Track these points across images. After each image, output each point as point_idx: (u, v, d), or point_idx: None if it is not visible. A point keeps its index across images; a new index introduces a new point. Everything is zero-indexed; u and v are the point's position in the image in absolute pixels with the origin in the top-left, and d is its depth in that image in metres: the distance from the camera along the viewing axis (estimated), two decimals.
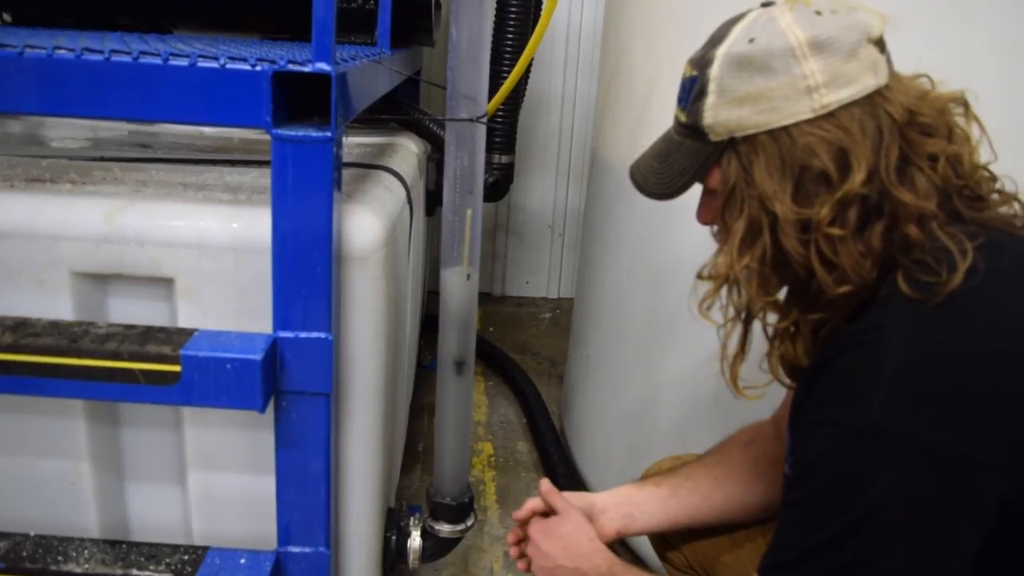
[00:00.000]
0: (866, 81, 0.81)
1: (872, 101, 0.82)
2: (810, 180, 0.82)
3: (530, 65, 2.53)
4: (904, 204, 0.81)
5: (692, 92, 0.88)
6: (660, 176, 0.96)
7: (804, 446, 0.86)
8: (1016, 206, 0.90)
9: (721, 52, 0.85)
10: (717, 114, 0.86)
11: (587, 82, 3.67)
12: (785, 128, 0.82)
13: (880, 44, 0.84)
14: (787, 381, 0.96)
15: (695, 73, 0.88)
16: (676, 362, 1.83)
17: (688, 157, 0.91)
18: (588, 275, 2.35)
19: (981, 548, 0.80)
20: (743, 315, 0.92)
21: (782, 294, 0.94)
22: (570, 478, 2.25)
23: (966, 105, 0.88)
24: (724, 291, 0.92)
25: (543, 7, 2.10)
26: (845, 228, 0.82)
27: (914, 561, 0.79)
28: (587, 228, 2.44)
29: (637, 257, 1.96)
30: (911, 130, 0.83)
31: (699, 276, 0.95)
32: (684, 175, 0.92)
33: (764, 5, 0.88)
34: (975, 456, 0.77)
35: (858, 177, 0.80)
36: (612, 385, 2.11)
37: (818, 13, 0.83)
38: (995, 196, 0.89)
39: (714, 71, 0.85)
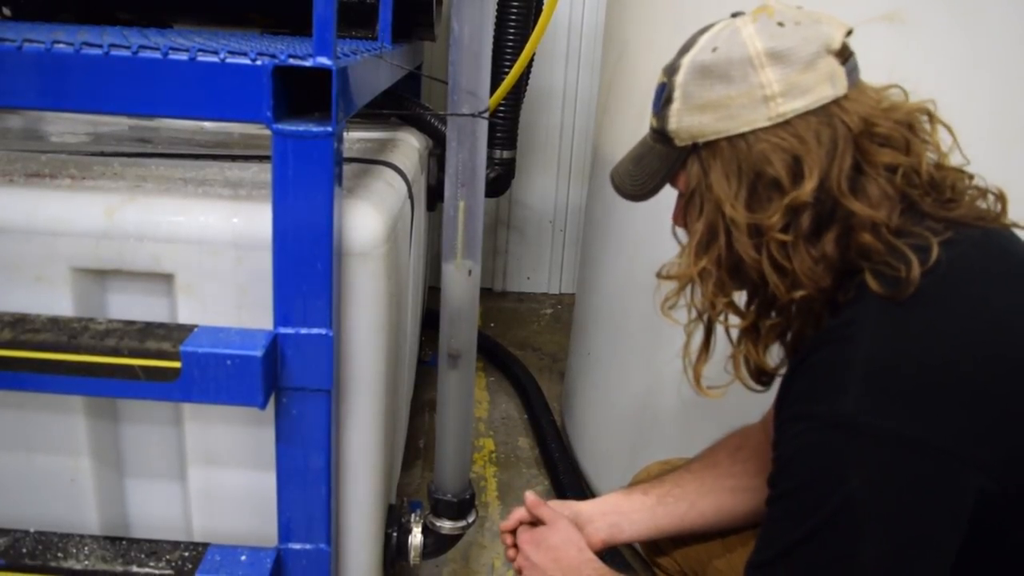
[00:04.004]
0: (823, 91, 0.83)
1: (828, 111, 0.84)
2: (763, 186, 0.84)
3: (532, 60, 2.52)
4: (854, 213, 0.83)
5: (662, 98, 0.92)
6: (634, 178, 0.99)
7: (782, 442, 0.87)
8: (990, 199, 0.92)
9: (687, 60, 0.89)
10: (681, 120, 0.89)
11: (588, 78, 3.66)
12: (743, 135, 0.85)
13: (842, 55, 0.86)
14: (751, 383, 0.98)
15: (664, 80, 0.92)
16: (677, 358, 1.83)
17: (658, 160, 0.95)
18: (589, 271, 2.35)
19: (962, 542, 0.80)
20: (704, 316, 0.95)
21: (742, 297, 0.96)
22: (571, 474, 2.25)
23: (930, 114, 0.90)
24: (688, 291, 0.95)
25: (544, 2, 2.09)
26: (797, 234, 0.84)
27: (892, 553, 0.80)
28: (588, 224, 2.44)
29: (638, 253, 1.96)
30: (866, 140, 0.84)
31: (658, 275, 0.97)
32: (655, 178, 0.96)
33: (734, 15, 0.91)
34: (948, 447, 0.78)
35: (808, 185, 0.82)
36: (613, 381, 2.11)
37: (780, 24, 0.85)
38: (971, 193, 0.91)
39: (680, 78, 0.89)
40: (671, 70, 0.91)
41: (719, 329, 0.97)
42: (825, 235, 0.84)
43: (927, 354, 0.80)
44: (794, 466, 0.85)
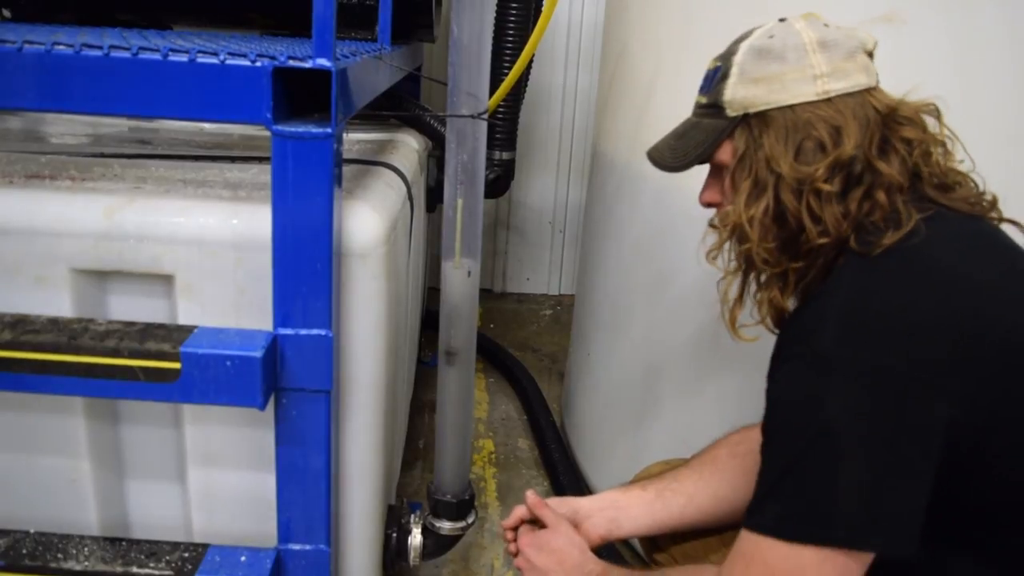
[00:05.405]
0: (859, 78, 0.99)
1: (862, 96, 0.99)
2: (808, 148, 0.98)
3: (531, 61, 2.52)
4: (882, 173, 0.97)
5: (715, 78, 1.05)
6: (675, 151, 1.10)
7: (770, 387, 0.97)
8: (986, 199, 1.04)
9: (745, 44, 1.03)
10: (736, 91, 1.01)
11: (588, 78, 3.66)
12: (791, 106, 0.98)
13: (871, 56, 1.02)
14: (773, 327, 1.07)
15: (719, 64, 1.05)
16: (677, 359, 1.83)
17: (703, 133, 1.06)
18: (589, 272, 2.35)
19: (938, 478, 0.87)
20: (743, 263, 1.06)
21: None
22: (571, 475, 2.25)
23: (938, 112, 1.03)
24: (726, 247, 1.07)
25: (544, 3, 2.09)
26: (832, 189, 0.97)
27: (870, 480, 0.87)
28: (588, 224, 2.44)
29: (638, 253, 1.96)
30: (892, 120, 0.99)
31: (711, 224, 1.10)
32: (698, 148, 1.06)
33: (780, 20, 1.04)
34: (918, 376, 0.87)
35: (848, 147, 0.96)
36: (613, 382, 2.11)
37: (826, 25, 1.02)
38: (971, 187, 1.03)
39: (738, 58, 1.02)
40: (728, 54, 1.04)
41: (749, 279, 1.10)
42: (852, 194, 0.98)
43: (896, 295, 0.91)
44: (778, 404, 0.95)
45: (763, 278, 1.07)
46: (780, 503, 0.92)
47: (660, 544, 1.34)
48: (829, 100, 0.98)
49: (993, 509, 0.95)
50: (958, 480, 0.90)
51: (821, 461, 0.88)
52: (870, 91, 1.00)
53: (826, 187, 0.97)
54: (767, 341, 1.03)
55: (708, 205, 1.12)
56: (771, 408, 0.96)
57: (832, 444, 0.88)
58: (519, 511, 1.28)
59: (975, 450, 0.89)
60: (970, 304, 0.91)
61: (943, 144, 1.02)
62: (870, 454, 0.87)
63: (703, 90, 1.08)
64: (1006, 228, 1.04)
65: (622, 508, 1.27)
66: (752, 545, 0.94)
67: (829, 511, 0.88)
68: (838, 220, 0.97)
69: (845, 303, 0.93)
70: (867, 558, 0.89)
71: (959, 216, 1.00)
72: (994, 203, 1.04)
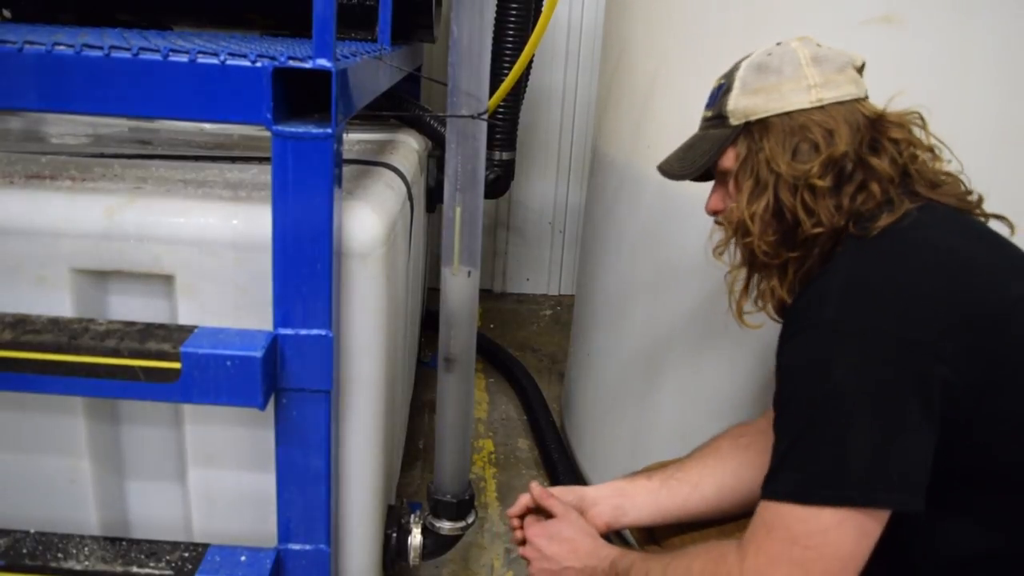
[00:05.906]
0: (849, 89, 1.08)
1: (852, 105, 1.08)
2: (804, 149, 1.07)
3: (531, 61, 2.53)
4: (874, 168, 1.06)
5: (719, 93, 1.15)
6: (683, 161, 1.19)
7: (780, 362, 1.02)
8: (972, 197, 1.11)
9: (746, 63, 1.13)
10: (738, 102, 1.11)
11: (588, 78, 3.66)
12: (788, 113, 1.08)
13: (860, 71, 1.12)
14: (774, 315, 1.14)
15: (723, 81, 1.15)
16: (677, 359, 1.83)
17: (709, 143, 1.15)
18: (589, 272, 2.35)
19: (937, 441, 0.93)
20: (746, 256, 1.14)
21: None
22: (571, 475, 2.25)
23: (922, 120, 1.11)
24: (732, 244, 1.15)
25: (544, 3, 2.09)
26: (825, 185, 1.05)
27: (878, 435, 0.92)
28: (588, 225, 2.44)
29: (638, 254, 1.96)
30: (880, 124, 1.08)
31: (717, 222, 1.19)
32: (704, 156, 1.15)
33: (777, 44, 1.13)
34: (916, 339, 0.93)
35: (840, 146, 1.05)
36: (613, 382, 2.11)
37: (818, 45, 1.12)
38: (959, 186, 1.10)
39: (740, 73, 1.12)
40: (730, 72, 1.14)
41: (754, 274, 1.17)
42: (844, 189, 1.05)
43: (892, 269, 0.99)
44: (787, 376, 1.00)
45: (764, 270, 1.14)
46: (795, 469, 0.95)
47: (657, 537, 1.35)
48: (822, 107, 1.06)
49: (991, 472, 0.98)
50: (955, 444, 0.94)
51: (831, 424, 0.93)
52: (859, 101, 1.09)
53: (820, 183, 1.05)
54: (769, 342, 1.04)
55: (713, 213, 1.19)
56: (780, 381, 1.01)
57: (840, 407, 0.93)
58: (524, 499, 1.30)
59: (969, 413, 0.94)
60: (959, 276, 0.98)
61: (930, 150, 1.10)
62: (877, 414, 0.92)
63: (708, 105, 1.17)
64: (992, 224, 1.10)
65: (627, 496, 1.29)
66: (771, 513, 0.97)
67: (843, 472, 0.92)
68: (831, 212, 1.05)
69: (845, 278, 1.00)
70: (884, 516, 0.93)
71: (948, 207, 1.08)
72: (980, 201, 1.11)
